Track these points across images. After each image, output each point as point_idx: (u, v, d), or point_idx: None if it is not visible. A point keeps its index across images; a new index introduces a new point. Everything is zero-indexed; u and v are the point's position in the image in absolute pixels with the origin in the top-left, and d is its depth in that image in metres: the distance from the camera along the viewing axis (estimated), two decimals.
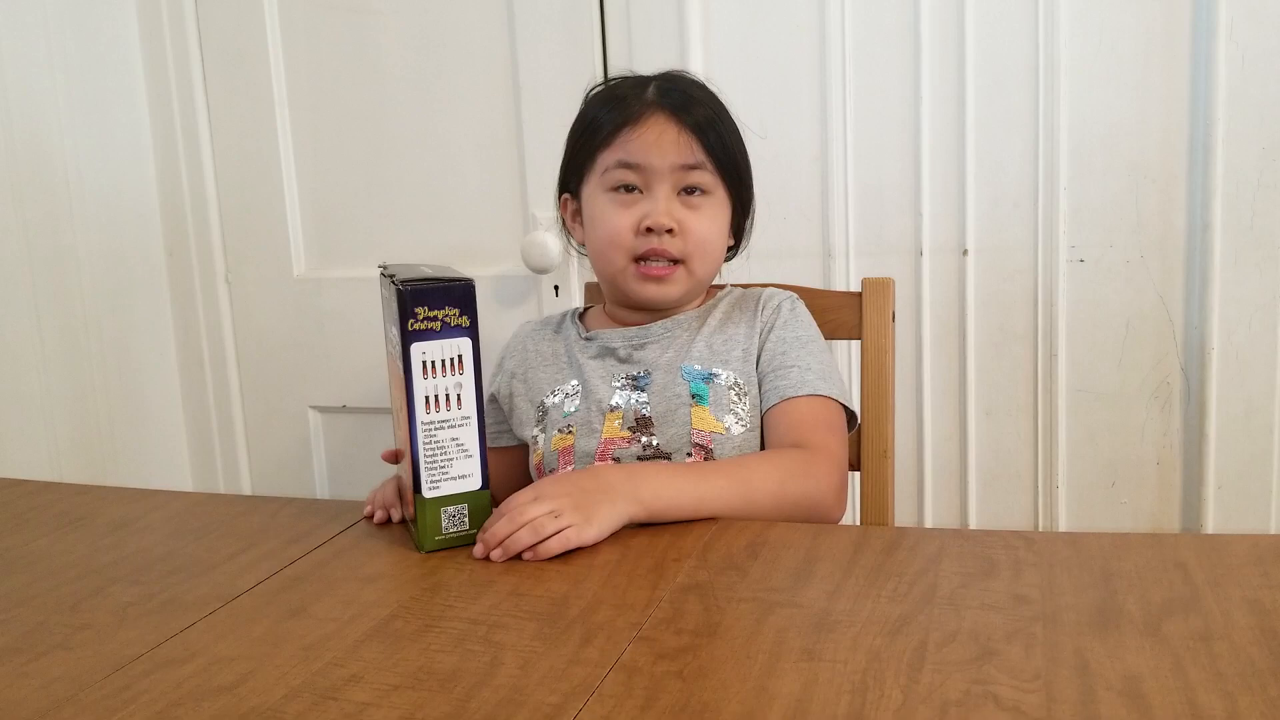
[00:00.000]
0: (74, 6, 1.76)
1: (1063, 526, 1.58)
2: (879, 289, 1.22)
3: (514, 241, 1.74)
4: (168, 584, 0.89)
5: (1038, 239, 1.52)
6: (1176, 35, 1.43)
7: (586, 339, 1.18)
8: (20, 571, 0.94)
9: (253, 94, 1.85)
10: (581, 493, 0.91)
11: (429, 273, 0.93)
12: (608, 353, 1.16)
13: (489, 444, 1.23)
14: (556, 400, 1.16)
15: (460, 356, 0.91)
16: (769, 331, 1.14)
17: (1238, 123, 1.42)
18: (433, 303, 0.90)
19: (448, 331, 0.91)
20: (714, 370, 1.12)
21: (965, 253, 1.55)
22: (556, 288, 1.74)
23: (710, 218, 1.12)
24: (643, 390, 1.12)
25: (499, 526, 0.89)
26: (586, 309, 1.26)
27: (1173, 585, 0.78)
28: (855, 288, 1.26)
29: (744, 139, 1.17)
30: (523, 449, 1.21)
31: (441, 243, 1.80)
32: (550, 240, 1.69)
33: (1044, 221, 1.51)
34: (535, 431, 1.17)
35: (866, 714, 0.63)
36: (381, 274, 0.97)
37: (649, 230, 1.10)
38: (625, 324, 1.18)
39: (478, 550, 0.90)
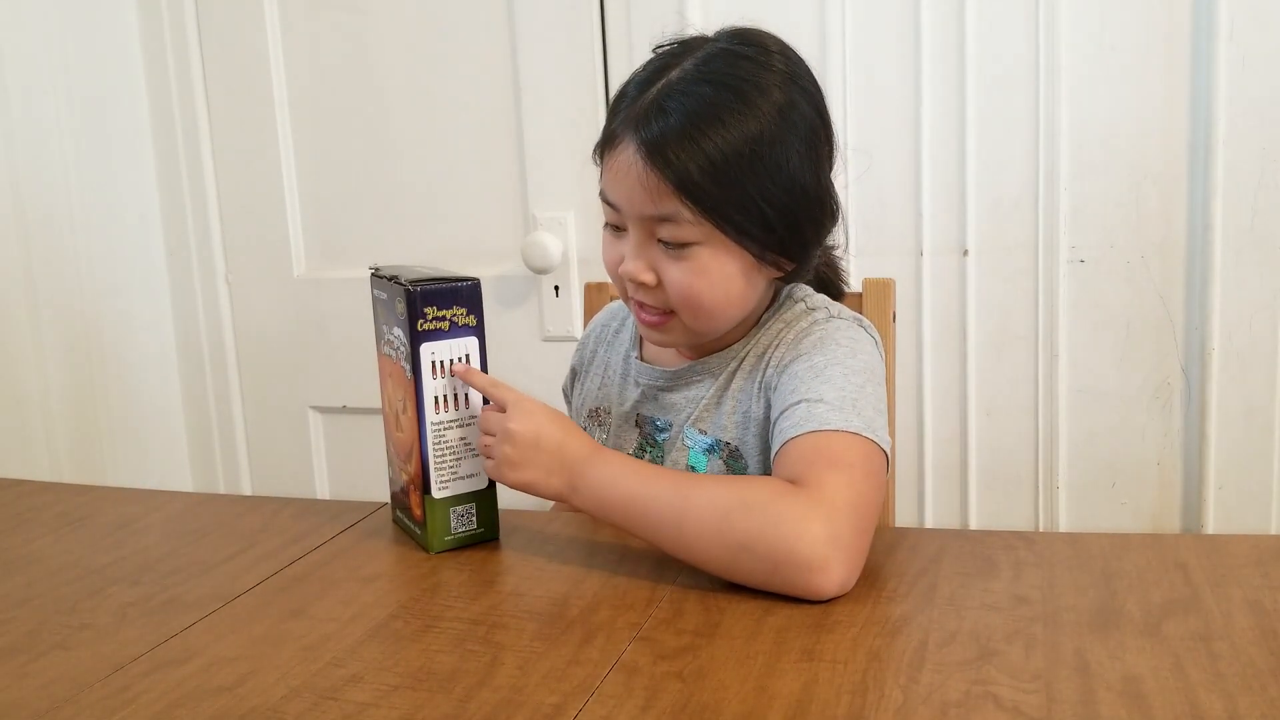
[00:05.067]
0: (74, 6, 1.76)
1: (1063, 527, 1.58)
2: (880, 290, 1.22)
3: (514, 241, 1.74)
4: (168, 584, 0.89)
5: (1038, 239, 1.52)
6: (1176, 36, 1.43)
7: (630, 357, 1.09)
8: (20, 571, 0.94)
9: (253, 94, 1.85)
10: (535, 447, 0.88)
11: (427, 273, 0.93)
12: (638, 385, 1.06)
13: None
14: (591, 427, 1.11)
15: (468, 355, 0.92)
16: (779, 379, 0.94)
17: (1238, 123, 1.42)
18: (441, 302, 0.90)
19: (456, 331, 0.91)
20: (718, 437, 0.99)
21: (965, 253, 1.55)
22: (557, 288, 1.74)
23: (697, 270, 0.91)
24: (659, 444, 1.04)
25: (481, 419, 0.92)
26: None
27: (1173, 586, 0.78)
28: (856, 288, 1.25)
29: (816, 156, 0.94)
30: None
31: (441, 243, 1.80)
32: (550, 240, 1.69)
33: (1044, 222, 1.51)
34: None
35: (866, 714, 0.63)
36: (373, 275, 0.97)
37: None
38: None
39: (458, 368, 0.92)
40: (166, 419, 1.98)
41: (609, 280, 1.05)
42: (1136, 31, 1.45)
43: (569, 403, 1.20)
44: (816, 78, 0.96)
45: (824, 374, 0.90)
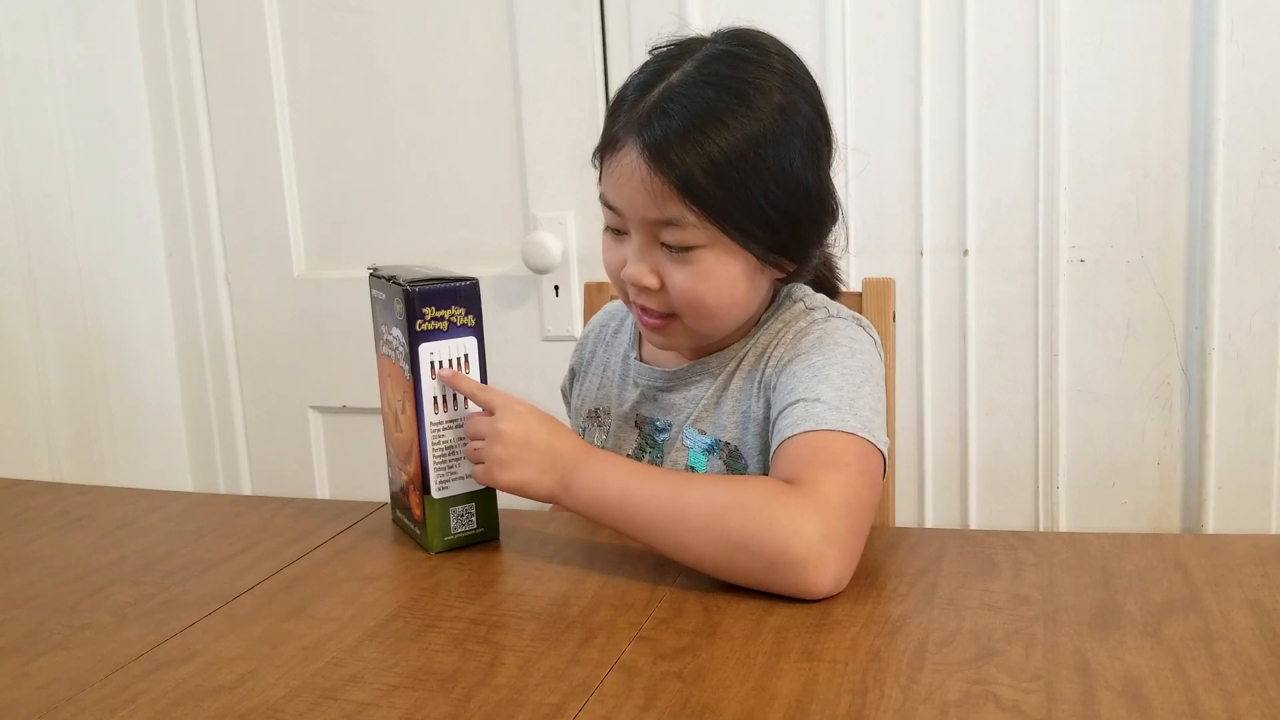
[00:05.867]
0: (74, 6, 1.76)
1: (1063, 526, 1.58)
2: (880, 289, 1.22)
3: (514, 241, 1.74)
4: (168, 584, 0.89)
5: (1038, 239, 1.52)
6: (1176, 35, 1.43)
7: (629, 358, 1.09)
8: (20, 571, 0.94)
9: (253, 94, 1.85)
10: (526, 446, 0.87)
11: (427, 273, 0.93)
12: (637, 385, 1.06)
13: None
14: (590, 428, 1.12)
15: (466, 356, 0.92)
16: (778, 378, 0.94)
17: (1238, 123, 1.42)
18: (439, 303, 0.90)
19: (454, 331, 0.91)
20: (718, 437, 0.99)
21: (965, 253, 1.55)
22: (557, 288, 1.74)
23: (701, 275, 0.91)
24: (659, 445, 1.04)
25: (469, 424, 0.92)
26: None
27: (1173, 585, 0.78)
28: (856, 288, 1.25)
29: (817, 156, 0.94)
30: None
31: (441, 243, 1.80)
32: (550, 240, 1.69)
33: (1044, 221, 1.51)
34: None
35: (866, 714, 0.63)
36: (372, 275, 0.97)
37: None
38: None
39: (444, 373, 0.91)
40: (166, 419, 1.98)
41: (609, 280, 1.05)
42: (1136, 31, 1.45)
43: (568, 404, 1.20)
44: (815, 78, 0.96)
45: (822, 373, 0.90)
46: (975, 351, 1.57)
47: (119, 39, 1.86)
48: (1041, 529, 1.58)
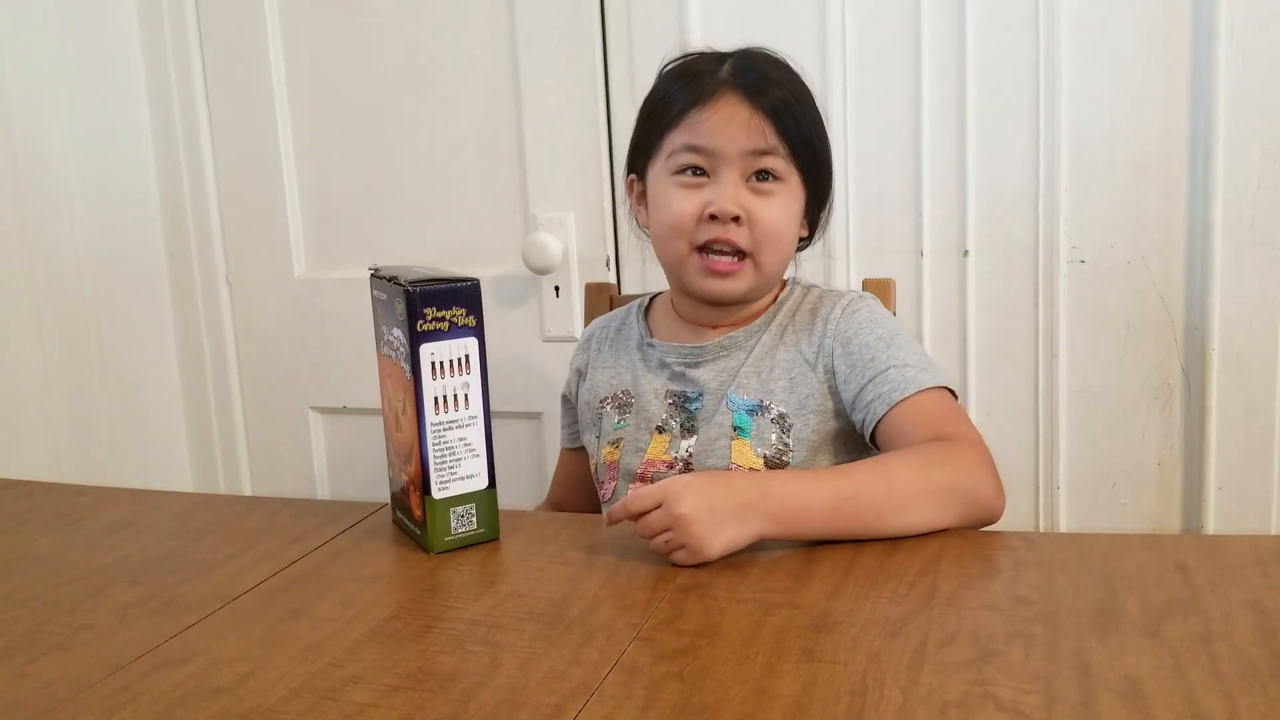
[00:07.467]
0: (74, 6, 1.76)
1: (1063, 527, 1.58)
2: (880, 290, 1.22)
3: (514, 241, 1.74)
4: (168, 584, 0.89)
5: (1038, 240, 1.52)
6: (1176, 36, 1.43)
7: (648, 345, 1.16)
8: (20, 572, 0.94)
9: (253, 94, 1.85)
10: (713, 512, 0.85)
11: (427, 273, 0.94)
12: (663, 365, 1.14)
13: (564, 445, 1.27)
14: (608, 410, 1.15)
15: (467, 356, 0.92)
16: (843, 348, 1.07)
17: (1238, 123, 1.42)
18: (440, 303, 0.90)
19: (455, 331, 0.91)
20: (761, 400, 1.08)
21: (966, 253, 1.55)
22: (557, 288, 1.74)
23: (781, 206, 1.07)
24: (691, 413, 1.10)
25: (644, 526, 0.88)
26: (654, 298, 1.22)
27: (1173, 586, 0.78)
28: (856, 289, 1.26)
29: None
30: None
31: (441, 243, 1.80)
32: (550, 240, 1.69)
33: (1044, 222, 1.51)
34: (590, 437, 1.18)
35: (866, 714, 0.63)
36: (373, 276, 0.97)
37: (713, 218, 1.05)
38: (689, 320, 1.14)
39: (615, 514, 0.90)
40: (166, 419, 1.98)
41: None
42: (1136, 32, 1.45)
43: (572, 406, 1.22)
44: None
45: (894, 342, 1.05)
46: (975, 352, 1.57)
47: (119, 39, 1.86)
48: (1041, 529, 1.58)
